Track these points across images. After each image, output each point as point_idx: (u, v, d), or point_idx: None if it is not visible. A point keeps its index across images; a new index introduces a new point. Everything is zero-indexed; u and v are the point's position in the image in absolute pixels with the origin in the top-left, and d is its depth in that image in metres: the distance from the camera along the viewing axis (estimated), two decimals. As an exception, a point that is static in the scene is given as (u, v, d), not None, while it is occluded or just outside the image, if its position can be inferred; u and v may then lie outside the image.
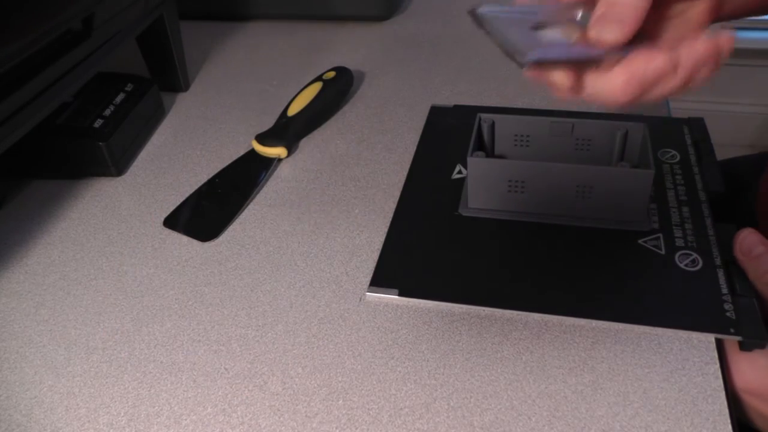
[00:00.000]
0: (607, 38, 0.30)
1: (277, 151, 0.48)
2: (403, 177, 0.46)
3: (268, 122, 0.53)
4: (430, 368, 0.33)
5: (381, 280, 0.38)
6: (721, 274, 0.36)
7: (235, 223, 0.44)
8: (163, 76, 0.58)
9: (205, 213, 0.45)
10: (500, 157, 0.44)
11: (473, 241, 0.40)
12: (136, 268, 0.41)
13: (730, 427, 0.29)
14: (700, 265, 0.36)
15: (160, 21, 0.55)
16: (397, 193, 0.45)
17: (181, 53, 0.58)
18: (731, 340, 0.33)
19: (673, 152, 0.45)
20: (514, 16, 0.32)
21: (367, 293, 0.37)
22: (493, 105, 0.54)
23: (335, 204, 0.44)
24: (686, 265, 0.37)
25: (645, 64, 0.29)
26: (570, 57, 0.31)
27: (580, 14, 0.33)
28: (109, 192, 0.47)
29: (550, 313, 0.35)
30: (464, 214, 0.42)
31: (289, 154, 0.49)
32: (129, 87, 0.51)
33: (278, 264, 0.40)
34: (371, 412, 0.31)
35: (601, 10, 0.30)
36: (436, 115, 0.53)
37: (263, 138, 0.49)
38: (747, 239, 0.35)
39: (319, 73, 0.55)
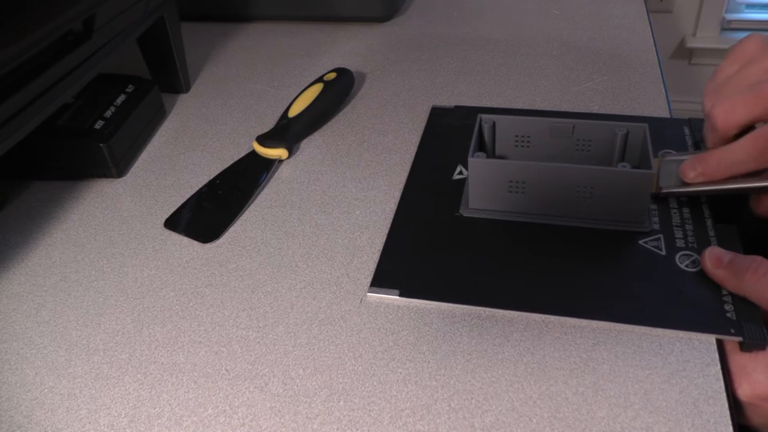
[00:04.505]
0: (685, 179, 0.39)
1: (277, 152, 0.48)
2: (404, 178, 0.46)
3: (268, 123, 0.53)
4: (431, 369, 0.33)
5: (382, 280, 0.38)
6: (722, 275, 0.36)
7: (236, 224, 0.44)
8: (164, 78, 0.58)
9: (206, 214, 0.45)
10: (501, 157, 0.44)
11: (474, 241, 0.40)
12: (137, 270, 0.41)
13: (731, 428, 0.29)
14: (701, 265, 0.36)
15: (161, 22, 0.55)
16: (398, 194, 0.45)
17: (182, 54, 0.58)
18: (732, 349, 0.33)
19: (674, 153, 0.45)
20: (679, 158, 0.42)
21: (368, 294, 0.37)
22: (493, 106, 0.54)
23: (336, 205, 0.44)
24: (687, 266, 0.37)
25: None
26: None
27: None
28: (110, 193, 0.47)
29: (551, 314, 0.35)
30: (465, 214, 0.42)
31: (290, 155, 0.49)
32: (130, 88, 0.52)
33: (279, 265, 0.40)
34: (372, 414, 0.31)
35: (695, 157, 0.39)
36: (437, 115, 0.53)
37: (264, 139, 0.49)
38: (712, 253, 0.35)
39: (319, 74, 0.55)
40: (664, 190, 0.41)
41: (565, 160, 0.43)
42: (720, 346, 0.33)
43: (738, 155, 0.36)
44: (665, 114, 0.51)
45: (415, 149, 0.49)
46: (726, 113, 0.37)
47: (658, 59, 0.59)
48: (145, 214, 0.45)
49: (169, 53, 0.57)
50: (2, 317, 0.38)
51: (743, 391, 0.32)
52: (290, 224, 0.43)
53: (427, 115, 0.53)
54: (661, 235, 0.39)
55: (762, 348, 0.32)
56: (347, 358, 0.34)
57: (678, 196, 0.41)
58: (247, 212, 0.45)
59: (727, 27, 1.75)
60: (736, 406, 0.32)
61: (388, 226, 0.42)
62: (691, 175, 0.39)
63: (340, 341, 0.35)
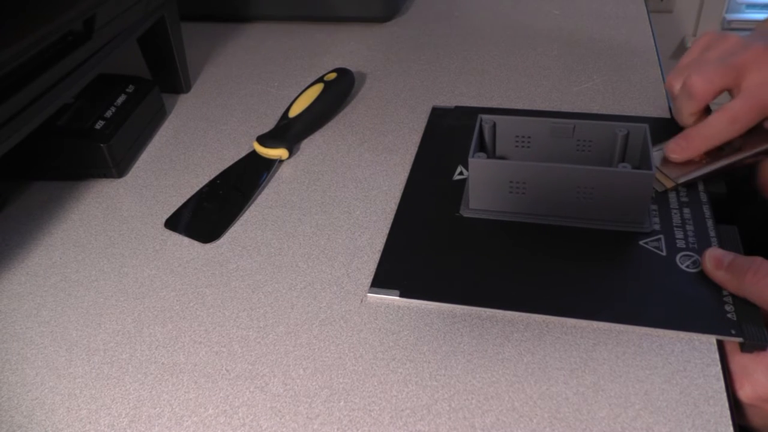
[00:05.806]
0: (672, 157, 0.43)
1: (278, 153, 0.48)
2: (405, 178, 0.46)
3: (269, 124, 0.53)
4: (431, 369, 0.33)
5: (382, 281, 0.38)
6: (722, 275, 0.36)
7: (236, 224, 0.44)
8: (165, 78, 0.58)
9: (207, 214, 0.45)
10: (501, 158, 0.44)
11: (474, 242, 0.40)
12: (137, 270, 0.41)
13: (731, 429, 0.29)
14: (701, 266, 0.36)
15: (162, 22, 0.55)
16: (399, 194, 0.45)
17: (182, 54, 0.58)
18: (733, 350, 0.33)
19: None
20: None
21: (369, 294, 0.37)
22: (494, 106, 0.54)
23: (336, 205, 0.44)
24: (687, 267, 0.37)
25: None
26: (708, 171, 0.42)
27: None
28: (111, 193, 0.47)
29: (552, 314, 0.35)
30: (465, 215, 0.42)
31: (291, 155, 0.49)
32: (130, 88, 0.52)
33: (279, 265, 0.40)
34: (372, 414, 0.31)
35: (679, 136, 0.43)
36: (438, 116, 0.53)
37: (264, 139, 0.49)
38: (712, 254, 0.36)
39: (320, 75, 0.55)
40: (681, 181, 0.41)
41: (565, 160, 0.43)
42: (720, 346, 0.33)
43: (715, 126, 0.41)
44: (665, 114, 0.51)
45: (416, 149, 0.49)
46: (704, 82, 0.42)
47: (659, 59, 0.59)
48: (146, 214, 0.45)
49: (170, 53, 0.57)
50: (2, 317, 0.38)
51: (744, 393, 0.32)
52: (290, 224, 0.43)
53: (428, 116, 0.53)
54: (661, 236, 0.39)
55: (763, 349, 0.32)
56: (348, 358, 0.34)
57: (695, 182, 0.42)
58: (247, 212, 0.45)
59: (728, 27, 1.75)
60: (736, 407, 0.32)
61: (389, 226, 0.42)
62: (677, 152, 0.42)
63: (341, 341, 0.35)
